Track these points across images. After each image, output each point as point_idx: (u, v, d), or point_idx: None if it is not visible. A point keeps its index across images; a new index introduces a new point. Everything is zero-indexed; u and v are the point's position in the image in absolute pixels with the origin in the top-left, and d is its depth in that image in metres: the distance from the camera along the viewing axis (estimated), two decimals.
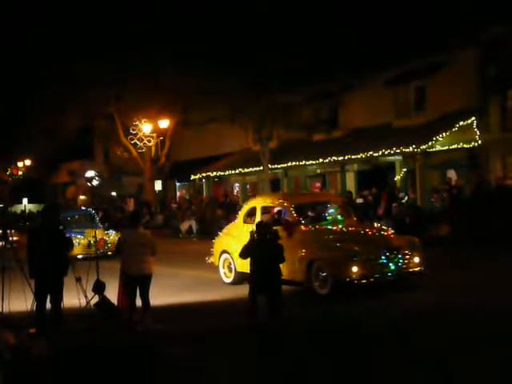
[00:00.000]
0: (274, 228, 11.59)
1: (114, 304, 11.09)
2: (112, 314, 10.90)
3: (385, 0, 23.27)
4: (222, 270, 14.57)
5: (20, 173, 49.14)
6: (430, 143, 22.17)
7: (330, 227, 12.98)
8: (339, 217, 13.61)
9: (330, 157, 25.24)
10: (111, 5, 26.96)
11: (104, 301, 11.15)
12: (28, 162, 46.79)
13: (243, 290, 10.04)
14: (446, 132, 22.34)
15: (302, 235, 12.59)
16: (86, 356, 8.69)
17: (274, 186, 28.97)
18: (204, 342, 9.24)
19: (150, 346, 9.20)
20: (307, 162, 26.66)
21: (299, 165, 27.06)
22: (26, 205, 52.21)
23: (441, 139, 22.29)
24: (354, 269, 11.43)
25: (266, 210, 13.77)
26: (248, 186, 33.09)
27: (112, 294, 11.24)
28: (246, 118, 26.66)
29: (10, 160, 46.88)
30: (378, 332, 9.20)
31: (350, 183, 26.68)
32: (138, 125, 31.12)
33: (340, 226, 13.05)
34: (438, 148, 22.50)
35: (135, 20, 26.50)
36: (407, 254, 11.99)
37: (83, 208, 28.17)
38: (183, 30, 25.47)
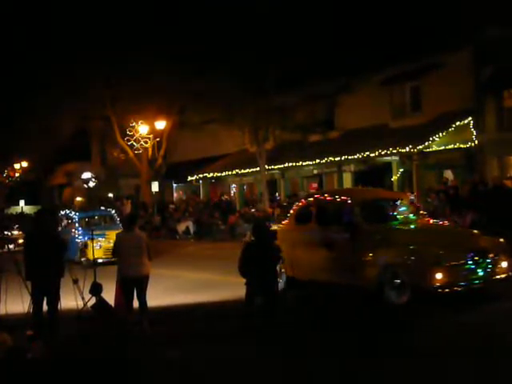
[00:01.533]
0: (272, 229, 11.55)
1: (111, 306, 11.08)
2: (109, 315, 10.89)
3: (381, 1, 23.29)
4: None
5: (17, 175, 49.05)
6: (426, 143, 22.22)
7: (403, 227, 11.54)
8: (411, 215, 12.14)
9: (327, 157, 25.27)
10: (108, 6, 26.94)
11: (101, 303, 11.14)
12: (25, 164, 46.71)
13: (241, 292, 10.01)
14: (442, 132, 22.38)
15: (371, 237, 11.06)
16: (82, 358, 8.69)
17: (271, 187, 28.97)
18: (202, 343, 9.24)
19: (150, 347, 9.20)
20: (304, 163, 26.69)
21: (296, 165, 27.08)
22: (22, 206, 52.15)
23: (437, 139, 22.33)
24: (439, 276, 9.93)
25: (325, 208, 12.44)
26: (245, 187, 33.10)
27: (109, 295, 11.23)
28: (242, 119, 26.66)
29: (6, 162, 46.79)
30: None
31: (347, 184, 26.69)
32: (134, 126, 31.12)
33: (412, 226, 11.68)
34: (435, 148, 22.54)
35: (132, 21, 26.48)
36: (494, 258, 10.47)
37: (102, 208, 26.90)
38: (181, 31, 25.46)
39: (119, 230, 13.39)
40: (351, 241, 11.14)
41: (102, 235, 19.57)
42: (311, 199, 13.17)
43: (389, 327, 9.46)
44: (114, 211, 23.73)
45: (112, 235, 16.78)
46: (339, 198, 12.32)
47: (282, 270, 12.75)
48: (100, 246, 19.27)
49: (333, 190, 12.88)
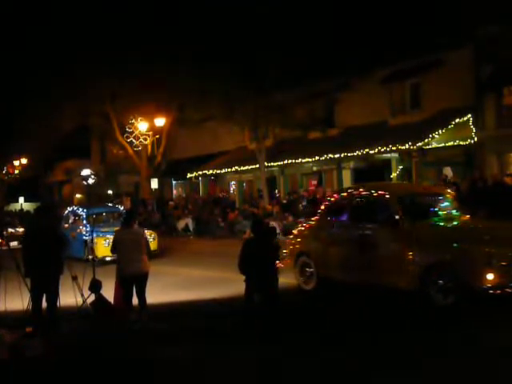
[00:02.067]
0: (271, 226, 11.53)
1: (110, 303, 11.08)
2: (108, 313, 10.89)
3: None
4: (299, 275, 12.73)
5: (16, 171, 49.08)
6: (426, 140, 22.20)
7: (447, 224, 10.73)
8: (454, 211, 11.40)
9: (327, 155, 25.26)
10: (108, 4, 26.90)
11: (100, 300, 11.13)
12: (24, 161, 46.73)
13: (241, 289, 9.99)
14: (441, 129, 22.37)
15: (412, 234, 10.40)
16: (82, 356, 8.69)
17: (271, 184, 28.96)
18: (202, 341, 9.23)
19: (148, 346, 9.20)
20: (303, 160, 26.67)
21: (295, 163, 27.08)
22: (22, 203, 52.21)
23: (437, 136, 22.32)
24: (490, 276, 9.32)
25: (360, 204, 11.78)
26: (244, 184, 33.09)
27: (108, 292, 11.22)
28: (242, 116, 26.63)
29: (6, 159, 46.80)
30: None
31: (347, 181, 26.68)
32: (134, 123, 31.09)
33: (456, 223, 10.91)
34: (434, 145, 22.53)
35: (132, 19, 26.43)
36: None
37: (110, 204, 26.16)
38: (181, 29, 25.42)
39: None
40: (390, 239, 10.62)
41: (111, 232, 19.29)
42: (344, 194, 12.50)
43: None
44: (122, 207, 23.52)
45: None
46: (376, 192, 11.54)
47: (312, 270, 12.30)
48: (108, 244, 19.02)
49: (368, 185, 11.93)
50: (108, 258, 16.89)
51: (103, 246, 18.12)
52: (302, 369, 7.65)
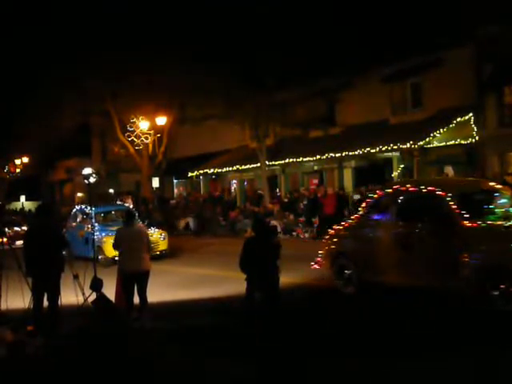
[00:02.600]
0: (272, 225, 11.50)
1: (111, 301, 11.09)
2: (109, 311, 10.90)
3: None
4: (336, 278, 11.99)
5: (18, 170, 49.08)
6: (427, 139, 22.21)
7: (505, 223, 9.77)
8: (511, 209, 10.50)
9: (328, 153, 25.25)
10: (109, 3, 26.94)
11: (101, 298, 11.14)
12: (25, 160, 46.72)
13: (242, 288, 9.98)
14: (443, 128, 22.38)
15: (468, 234, 9.63)
16: (82, 355, 8.69)
17: (272, 183, 28.97)
18: (202, 339, 9.24)
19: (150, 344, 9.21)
20: (304, 159, 26.66)
21: (296, 161, 27.06)
22: (23, 202, 52.19)
23: (438, 135, 22.33)
24: None
25: (408, 201, 10.95)
26: (245, 183, 33.09)
27: (110, 291, 11.23)
28: (243, 115, 26.63)
29: (7, 157, 46.80)
30: None
31: (348, 180, 26.69)
32: (135, 122, 31.07)
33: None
34: (435, 144, 22.54)
35: (133, 18, 26.45)
36: None
37: (119, 203, 25.48)
38: (181, 28, 25.42)
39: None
40: (444, 238, 9.86)
41: None
42: (390, 190, 11.60)
43: None
44: (132, 206, 23.33)
45: None
46: (426, 189, 10.69)
47: (351, 272, 11.57)
48: None
49: (417, 180, 11.49)
50: (118, 258, 16.72)
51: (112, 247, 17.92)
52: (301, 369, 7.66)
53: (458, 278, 9.52)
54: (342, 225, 12.51)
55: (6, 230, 23.62)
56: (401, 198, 11.03)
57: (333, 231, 12.53)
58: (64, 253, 10.45)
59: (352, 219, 12.30)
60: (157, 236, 19.66)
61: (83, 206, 21.90)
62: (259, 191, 28.95)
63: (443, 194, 10.17)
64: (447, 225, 9.87)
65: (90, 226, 19.23)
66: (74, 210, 22.22)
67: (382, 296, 11.14)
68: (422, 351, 7.80)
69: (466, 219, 9.73)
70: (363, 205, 12.05)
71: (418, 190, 10.88)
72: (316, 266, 12.60)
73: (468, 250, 9.49)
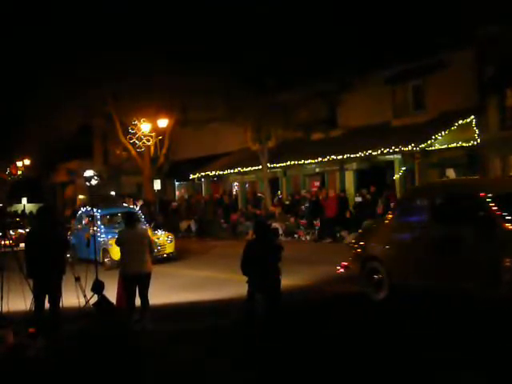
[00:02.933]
0: (273, 227, 11.47)
1: (113, 303, 11.09)
2: (111, 313, 10.90)
3: (384, 0, 23.25)
4: (367, 283, 11.34)
5: (19, 172, 49.10)
6: (429, 142, 22.18)
7: None
8: None
9: (329, 156, 25.23)
10: (110, 4, 26.96)
11: (103, 300, 11.15)
12: (27, 162, 46.75)
13: (243, 290, 9.97)
14: (444, 131, 22.34)
15: (508, 237, 9.10)
16: (83, 356, 8.69)
17: (273, 185, 28.97)
18: (204, 341, 9.23)
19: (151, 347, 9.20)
20: (306, 161, 26.64)
21: (298, 164, 27.04)
22: (24, 204, 52.19)
23: (440, 138, 22.29)
24: None
25: (444, 202, 10.44)
26: (247, 185, 33.08)
27: (111, 293, 11.23)
28: (244, 117, 26.63)
29: (9, 159, 46.84)
30: None
31: (349, 182, 26.67)
32: (136, 124, 31.09)
33: None
34: (437, 147, 22.51)
35: (133, 19, 26.46)
36: None
37: (125, 204, 24.98)
38: (182, 29, 25.43)
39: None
40: (484, 242, 9.33)
41: None
42: (423, 191, 11.32)
43: None
44: (138, 208, 23.26)
45: None
46: (465, 189, 10.41)
47: (382, 276, 10.97)
48: None
49: (453, 180, 11.14)
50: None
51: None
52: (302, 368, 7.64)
53: (500, 283, 9.03)
54: (372, 228, 12.03)
55: (11, 232, 23.64)
56: (437, 199, 10.53)
57: (362, 234, 12.06)
58: (68, 256, 10.46)
59: (384, 220, 11.77)
60: (164, 239, 19.69)
61: (89, 208, 21.54)
62: (259, 194, 28.96)
63: (484, 194, 9.66)
64: (487, 227, 9.34)
65: (95, 228, 19.14)
66: (80, 213, 22.16)
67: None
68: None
69: (508, 221, 9.24)
70: (395, 206, 11.52)
71: (455, 191, 10.60)
72: (342, 270, 12.11)
73: (510, 253, 8.99)
